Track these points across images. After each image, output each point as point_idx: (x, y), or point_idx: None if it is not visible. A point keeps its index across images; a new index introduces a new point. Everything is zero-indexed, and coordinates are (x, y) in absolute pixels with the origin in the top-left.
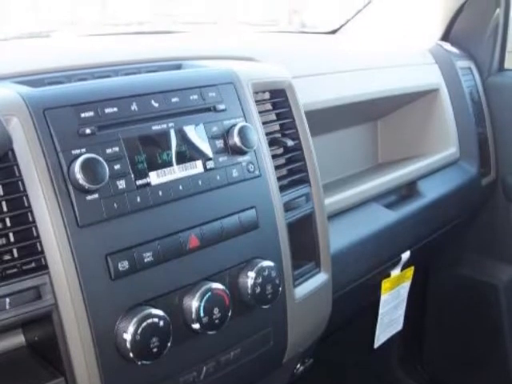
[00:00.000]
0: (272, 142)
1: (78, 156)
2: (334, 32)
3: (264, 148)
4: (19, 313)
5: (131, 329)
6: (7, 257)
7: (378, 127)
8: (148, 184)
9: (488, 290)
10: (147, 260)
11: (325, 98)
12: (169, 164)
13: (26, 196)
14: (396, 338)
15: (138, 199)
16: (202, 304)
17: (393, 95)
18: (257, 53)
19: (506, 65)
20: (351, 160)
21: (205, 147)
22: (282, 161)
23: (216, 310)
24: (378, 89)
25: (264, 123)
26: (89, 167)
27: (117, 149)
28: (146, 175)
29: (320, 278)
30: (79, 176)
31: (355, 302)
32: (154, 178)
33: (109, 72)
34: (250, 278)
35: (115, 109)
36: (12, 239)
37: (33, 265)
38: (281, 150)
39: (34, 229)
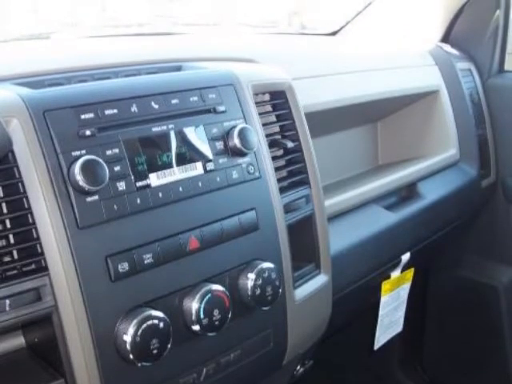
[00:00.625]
0: (272, 144)
1: (77, 157)
2: (334, 34)
3: (264, 150)
4: (19, 314)
5: (131, 330)
6: (7, 258)
7: (378, 129)
8: (148, 186)
9: (488, 292)
10: (147, 261)
11: (325, 99)
12: (169, 165)
13: (26, 198)
14: (396, 339)
15: (138, 201)
16: (202, 305)
17: (393, 97)
18: (257, 54)
19: (506, 66)
20: (351, 162)
21: (205, 149)
22: (282, 162)
23: (216, 312)
24: (377, 90)
25: (264, 125)
26: (89, 169)
27: (117, 150)
28: (145, 177)
29: (320, 280)
30: (79, 178)
31: (355, 303)
32: (154, 179)
33: (109, 74)
34: (249, 280)
35: (115, 110)
36: (12, 241)
37: (33, 266)
38: (281, 152)
39: (34, 230)
